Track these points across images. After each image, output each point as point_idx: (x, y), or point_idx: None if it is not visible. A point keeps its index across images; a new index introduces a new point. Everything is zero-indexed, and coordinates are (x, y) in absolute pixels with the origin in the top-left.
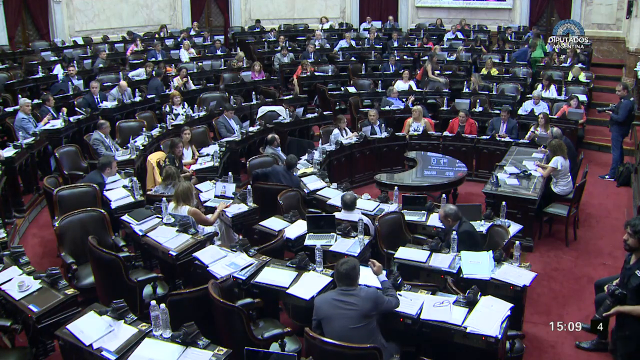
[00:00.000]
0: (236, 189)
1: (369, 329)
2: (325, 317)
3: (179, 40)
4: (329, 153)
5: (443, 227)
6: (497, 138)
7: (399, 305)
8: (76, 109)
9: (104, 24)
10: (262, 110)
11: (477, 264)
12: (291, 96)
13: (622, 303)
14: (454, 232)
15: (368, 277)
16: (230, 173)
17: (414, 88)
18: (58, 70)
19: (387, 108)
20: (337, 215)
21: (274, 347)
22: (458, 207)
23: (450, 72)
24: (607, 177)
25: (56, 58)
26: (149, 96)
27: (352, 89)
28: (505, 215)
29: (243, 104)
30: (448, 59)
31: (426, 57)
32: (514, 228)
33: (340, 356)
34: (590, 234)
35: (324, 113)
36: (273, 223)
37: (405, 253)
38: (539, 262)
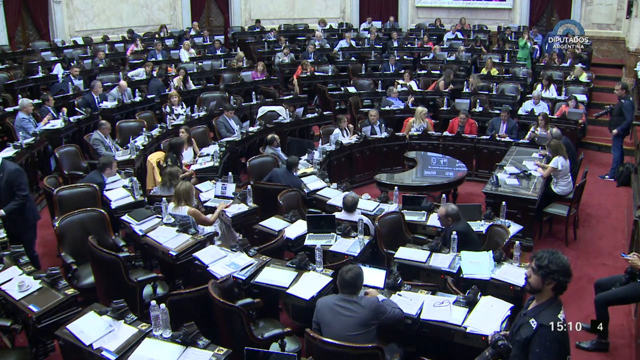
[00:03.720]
0: (236, 189)
1: (368, 338)
2: (324, 322)
3: (182, 38)
4: (329, 153)
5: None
6: (497, 138)
7: (402, 315)
8: (76, 109)
9: (104, 24)
10: (262, 110)
11: (477, 264)
12: (291, 96)
13: (504, 358)
14: (454, 233)
15: (370, 277)
16: (230, 173)
17: (414, 88)
18: (58, 70)
19: (387, 108)
20: (337, 215)
21: (274, 347)
22: (458, 207)
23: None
24: (607, 177)
25: (56, 58)
26: (149, 96)
27: (352, 89)
28: (505, 215)
29: (243, 104)
30: (448, 59)
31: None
32: (514, 228)
33: (341, 356)
34: (590, 234)
35: (324, 113)
36: (273, 223)
37: (405, 253)
38: None
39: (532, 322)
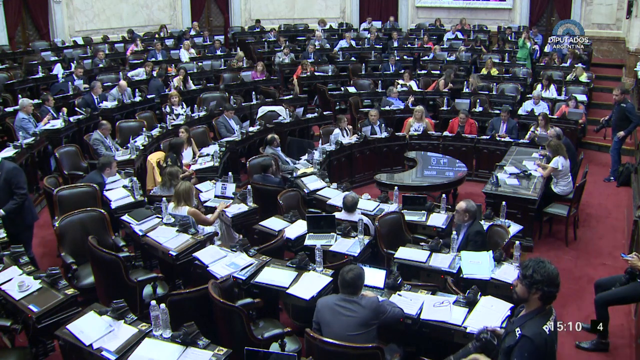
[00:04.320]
0: (236, 189)
1: (368, 338)
2: (324, 322)
3: (182, 38)
4: (329, 153)
5: (443, 226)
6: (497, 138)
7: (403, 315)
8: (76, 109)
9: (104, 24)
10: (262, 110)
11: (477, 264)
12: (291, 96)
13: (486, 353)
14: (454, 233)
15: (370, 277)
16: (230, 173)
17: (415, 88)
18: (58, 70)
19: (387, 108)
20: (337, 215)
21: (274, 347)
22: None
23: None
24: (612, 179)
25: (56, 58)
26: (149, 96)
27: (352, 89)
28: (505, 215)
29: (243, 104)
30: (448, 59)
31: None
32: (514, 228)
33: (341, 356)
34: (590, 234)
35: (324, 113)
36: (273, 223)
37: (405, 253)
38: None
39: (517, 331)
